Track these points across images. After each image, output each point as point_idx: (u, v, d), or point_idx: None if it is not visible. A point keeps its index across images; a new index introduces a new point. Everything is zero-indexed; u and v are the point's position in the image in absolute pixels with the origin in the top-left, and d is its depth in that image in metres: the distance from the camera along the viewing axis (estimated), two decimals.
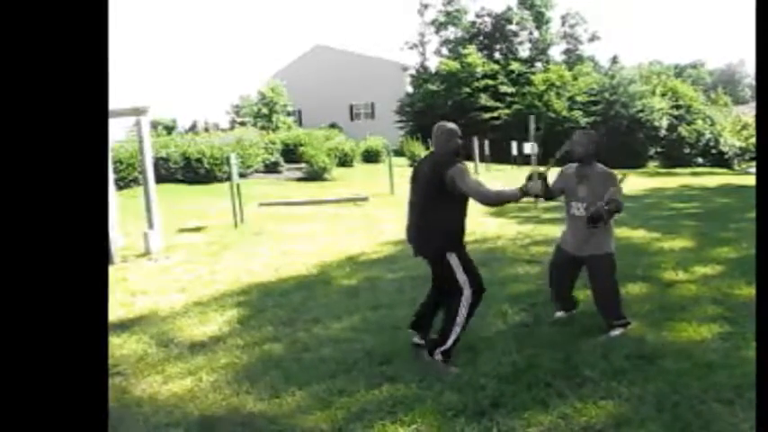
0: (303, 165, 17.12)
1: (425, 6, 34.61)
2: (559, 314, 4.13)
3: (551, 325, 4.00)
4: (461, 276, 3.35)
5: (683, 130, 27.39)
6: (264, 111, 25.97)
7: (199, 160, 15.11)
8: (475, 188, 3.31)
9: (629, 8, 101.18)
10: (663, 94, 28.27)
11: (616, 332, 3.78)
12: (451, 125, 3.53)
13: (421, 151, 20.91)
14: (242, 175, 12.92)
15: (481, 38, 33.28)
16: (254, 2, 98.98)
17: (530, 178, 3.52)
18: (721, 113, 30.44)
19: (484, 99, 27.59)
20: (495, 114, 26.94)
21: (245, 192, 10.25)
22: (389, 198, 12.81)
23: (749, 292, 4.37)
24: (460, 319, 3.34)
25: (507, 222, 8.50)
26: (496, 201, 3.55)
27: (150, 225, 7.63)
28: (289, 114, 27.75)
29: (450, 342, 3.36)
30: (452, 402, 2.94)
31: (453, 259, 3.36)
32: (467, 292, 3.34)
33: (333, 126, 27.76)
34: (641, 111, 26.69)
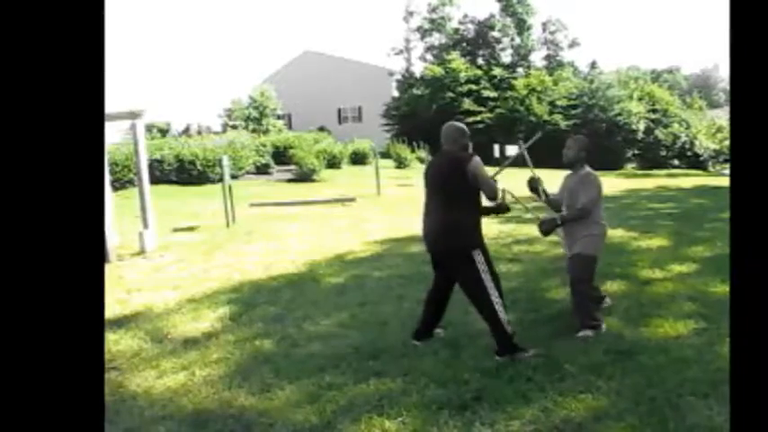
0: (293, 166, 17.17)
1: (411, 14, 34.94)
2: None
3: (533, 321, 4.08)
4: (485, 276, 3.36)
5: (659, 133, 27.84)
6: (255, 114, 25.92)
7: (192, 162, 15.14)
8: (489, 181, 3.37)
9: (608, 15, 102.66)
10: (640, 99, 28.71)
11: (581, 333, 3.76)
12: (460, 124, 3.60)
13: (407, 153, 20.99)
14: (234, 177, 12.91)
15: (465, 44, 33.55)
16: (246, 9, 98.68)
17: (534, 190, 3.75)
18: (696, 117, 31.05)
19: (467, 103, 27.80)
20: (479, 118, 27.13)
21: (236, 193, 10.26)
22: (376, 199, 12.88)
23: (723, 289, 4.47)
24: (502, 315, 3.34)
25: (489, 221, 8.59)
26: (497, 197, 3.52)
27: (145, 225, 7.66)
28: (279, 118, 27.69)
29: (508, 336, 3.36)
30: (437, 396, 2.99)
31: (479, 256, 3.37)
32: (494, 293, 3.35)
33: (321, 129, 27.82)
34: (619, 114, 27.09)
